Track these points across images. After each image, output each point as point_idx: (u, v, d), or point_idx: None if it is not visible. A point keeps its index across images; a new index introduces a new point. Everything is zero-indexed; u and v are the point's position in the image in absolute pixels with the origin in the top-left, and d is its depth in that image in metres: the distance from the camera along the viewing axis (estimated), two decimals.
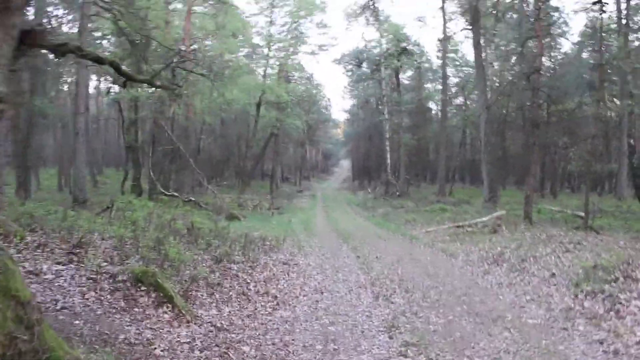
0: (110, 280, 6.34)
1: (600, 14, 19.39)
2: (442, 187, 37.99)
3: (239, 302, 7.46)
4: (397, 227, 19.58)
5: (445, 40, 39.58)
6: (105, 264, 6.94)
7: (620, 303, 6.97)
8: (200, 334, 5.79)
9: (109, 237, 8.75)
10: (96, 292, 5.94)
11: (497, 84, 43.89)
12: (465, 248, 13.18)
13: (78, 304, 5.55)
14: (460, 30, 34.59)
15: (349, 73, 56.08)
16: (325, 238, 15.92)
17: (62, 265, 6.52)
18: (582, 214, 18.44)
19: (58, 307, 5.31)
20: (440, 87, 46.88)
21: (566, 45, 42.37)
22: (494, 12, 29.60)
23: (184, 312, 6.12)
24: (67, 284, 5.97)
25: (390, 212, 26.43)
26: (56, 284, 5.88)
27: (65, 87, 43.21)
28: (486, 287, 8.83)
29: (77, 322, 5.08)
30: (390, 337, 6.15)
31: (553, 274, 8.96)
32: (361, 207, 33.19)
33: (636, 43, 30.19)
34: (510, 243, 12.78)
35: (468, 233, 16.03)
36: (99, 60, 10.29)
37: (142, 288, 6.34)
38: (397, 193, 38.30)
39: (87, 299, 5.73)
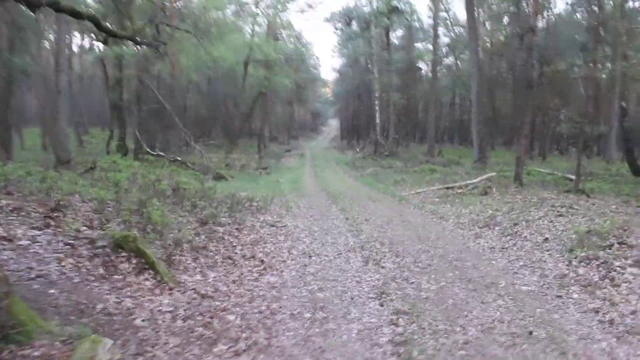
0: (89, 246, 6.07)
1: None
2: (432, 147, 37.79)
3: (225, 266, 7.23)
4: (386, 187, 19.35)
5: None
6: (84, 228, 6.67)
7: (615, 270, 6.81)
8: (184, 301, 5.54)
9: (90, 200, 8.45)
10: (74, 259, 5.67)
11: (488, 44, 43.43)
12: (455, 210, 12.99)
13: (54, 271, 5.27)
14: None
15: (339, 32, 55.14)
16: (314, 198, 15.67)
17: (38, 230, 6.23)
18: (572, 176, 18.33)
19: (32, 276, 5.03)
20: (430, 46, 46.21)
21: (559, 6, 41.86)
22: None
23: (166, 279, 5.86)
24: (43, 250, 5.69)
25: (379, 172, 26.19)
26: (31, 251, 5.60)
27: (47, 44, 42.14)
28: (478, 252, 8.65)
29: (52, 291, 4.81)
30: (381, 305, 5.94)
31: (546, 239, 8.78)
32: (350, 166, 32.92)
33: (630, 4, 29.77)
34: (502, 206, 12.61)
35: (458, 195, 15.84)
36: (77, 15, 9.79)
37: (123, 254, 6.07)
38: (386, 153, 38.06)
39: (64, 266, 5.45)
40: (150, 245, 6.64)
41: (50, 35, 37.95)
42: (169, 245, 7.14)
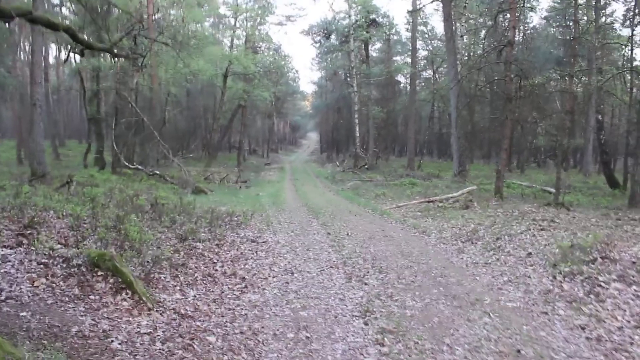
0: (64, 265, 5.86)
1: None
2: (411, 161, 37.87)
3: (205, 284, 7.04)
4: (367, 201, 19.27)
5: (415, 12, 39.06)
6: (59, 246, 6.44)
7: (600, 285, 6.77)
8: (163, 322, 5.35)
9: (65, 216, 8.21)
10: (47, 279, 5.46)
11: (466, 58, 43.81)
12: (437, 224, 12.93)
13: (26, 292, 5.06)
14: (430, 2, 33.93)
15: (317, 44, 55.23)
16: (295, 213, 15.51)
17: (10, 248, 6.01)
18: (551, 189, 18.47)
19: (2, 298, 4.82)
20: (409, 60, 46.52)
21: (534, 20, 42.48)
22: None
23: (144, 298, 5.66)
24: (15, 270, 5.48)
25: (359, 186, 26.13)
26: (2, 271, 5.38)
27: (23, 56, 41.62)
28: (462, 267, 8.57)
29: (23, 314, 4.60)
30: (365, 324, 5.82)
31: (529, 254, 8.73)
32: (330, 180, 32.83)
33: (604, 19, 30.26)
34: (484, 220, 12.58)
35: (439, 208, 15.80)
36: (52, 26, 9.57)
37: (99, 273, 5.87)
38: (366, 166, 38.04)
39: (37, 286, 5.24)
40: (127, 264, 6.43)
41: (26, 46, 37.56)
42: (147, 262, 6.93)
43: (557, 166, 17.54)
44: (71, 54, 28.54)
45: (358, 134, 42.57)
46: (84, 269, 5.85)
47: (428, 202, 17.36)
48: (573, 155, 41.83)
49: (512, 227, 11.13)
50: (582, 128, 33.11)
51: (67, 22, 27.45)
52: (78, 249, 6.45)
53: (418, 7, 38.10)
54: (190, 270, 7.44)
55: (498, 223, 11.85)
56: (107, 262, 5.92)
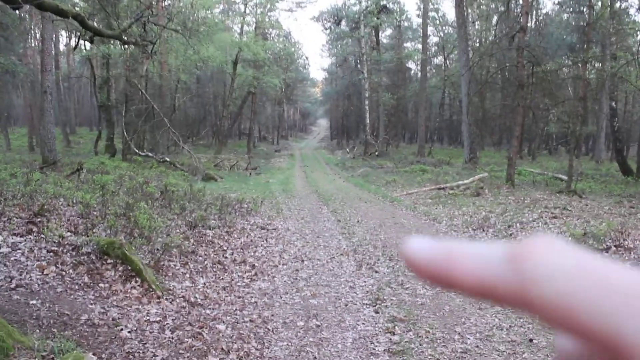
0: (73, 253, 5.84)
1: None
2: (422, 148, 37.67)
3: (215, 272, 7.02)
4: (378, 188, 19.20)
5: None
6: (68, 234, 6.42)
7: None
8: (172, 310, 5.33)
9: (75, 203, 8.20)
10: (57, 267, 5.44)
11: (477, 44, 43.44)
12: (448, 212, 12.85)
13: (36, 280, 5.05)
14: None
15: (328, 31, 54.94)
16: (305, 200, 15.47)
17: (20, 236, 5.99)
18: (563, 176, 18.30)
19: (12, 286, 4.80)
20: (420, 46, 46.15)
21: (547, 5, 41.97)
22: None
23: (154, 286, 5.64)
24: (25, 258, 5.46)
25: (369, 173, 26.04)
26: (12, 259, 5.36)
27: (34, 44, 41.68)
28: None
29: (33, 302, 4.58)
30: (376, 312, 5.77)
31: None
32: (340, 167, 32.75)
33: (619, 4, 29.82)
34: (495, 207, 12.48)
35: (450, 195, 15.70)
36: (61, 13, 9.54)
37: (109, 261, 5.85)
38: (376, 153, 37.94)
39: (47, 274, 5.23)
40: (137, 251, 6.42)
41: (37, 34, 37.61)
42: (157, 250, 6.92)
43: (569, 153, 17.37)
44: (81, 41, 28.58)
45: (368, 121, 42.38)
46: (93, 257, 5.84)
47: (439, 189, 17.26)
48: (585, 142, 41.51)
49: (524, 214, 11.03)
50: (594, 115, 32.75)
51: (77, 9, 27.44)
52: (88, 236, 6.44)
53: None
54: (200, 258, 7.42)
55: (509, 211, 11.75)
56: (116, 250, 5.91)
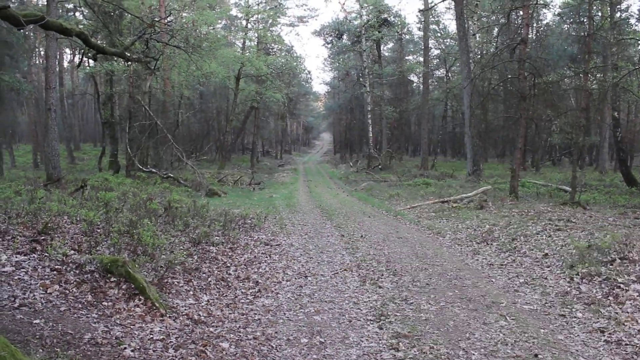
0: (77, 271, 5.85)
1: None
2: (425, 161, 37.71)
3: (218, 289, 7.01)
4: (381, 202, 19.21)
5: (427, 11, 38.90)
6: (72, 252, 6.42)
7: (619, 287, 6.65)
8: (176, 328, 5.32)
9: (78, 221, 8.22)
10: (60, 286, 5.44)
11: (479, 56, 43.52)
12: (452, 225, 12.83)
13: (39, 299, 5.05)
14: (441, 0, 33.81)
15: (329, 45, 55.19)
16: (308, 215, 15.48)
17: (24, 255, 5.99)
18: (567, 187, 18.26)
19: (16, 305, 4.80)
20: (421, 59, 46.29)
21: (548, 17, 42.14)
22: None
23: (157, 304, 5.63)
24: (29, 276, 5.46)
25: (373, 186, 26.05)
26: (16, 277, 5.37)
27: (38, 61, 42.00)
28: (477, 269, 8.47)
29: (37, 321, 4.58)
30: (380, 328, 5.75)
31: (546, 255, 8.62)
32: (343, 181, 32.79)
33: (618, 14, 29.88)
34: (499, 220, 12.45)
35: (454, 209, 15.68)
36: (65, 32, 9.60)
37: (112, 279, 5.86)
38: (380, 166, 37.96)
39: (50, 293, 5.23)
40: (140, 269, 6.42)
41: (42, 51, 37.87)
42: (161, 267, 6.92)
43: (572, 164, 17.34)
44: (84, 59, 28.77)
45: (371, 134, 42.45)
46: (97, 275, 5.84)
47: (442, 202, 17.24)
48: (589, 152, 41.42)
49: (528, 227, 11.01)
50: (597, 125, 32.73)
51: (81, 26, 27.67)
52: (91, 254, 6.44)
53: (430, 5, 37.99)
54: (204, 275, 7.42)
55: (513, 223, 11.73)
56: (119, 267, 5.91)
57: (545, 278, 7.56)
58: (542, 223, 11.24)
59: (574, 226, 10.72)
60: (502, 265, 8.58)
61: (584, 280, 7.14)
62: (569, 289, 6.96)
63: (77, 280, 5.64)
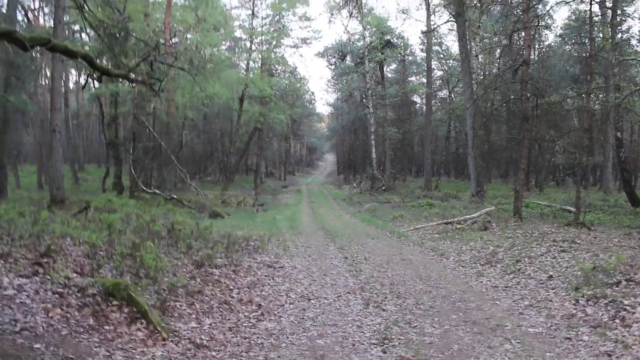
0: (79, 295, 5.82)
1: (590, 3, 18.95)
2: (429, 182, 37.69)
3: (221, 312, 6.97)
4: (385, 223, 19.17)
5: (430, 32, 39.16)
6: (74, 275, 6.40)
7: (625, 309, 6.56)
8: (178, 353, 5.28)
9: (81, 243, 8.21)
10: (62, 309, 5.41)
11: (481, 77, 43.73)
12: (456, 247, 12.77)
13: (41, 323, 5.01)
14: (444, 22, 34.12)
15: (333, 66, 55.60)
16: (312, 237, 15.44)
17: (26, 278, 5.96)
18: (571, 208, 18.16)
19: (17, 329, 4.76)
20: (424, 80, 46.53)
21: (549, 38, 42.39)
22: (478, 4, 29.29)
23: (159, 328, 5.60)
24: (30, 300, 5.43)
25: (377, 208, 26.03)
26: (17, 301, 5.33)
27: (44, 82, 42.33)
28: (481, 291, 8.41)
29: (37, 345, 4.55)
30: (384, 352, 5.69)
31: (550, 277, 8.55)
32: (347, 202, 32.79)
33: (619, 35, 30.02)
34: (503, 242, 12.39)
35: (458, 230, 15.62)
36: (70, 54, 9.69)
37: (114, 302, 5.82)
38: (383, 187, 37.96)
39: (52, 317, 5.19)
40: (143, 292, 6.39)
41: (47, 72, 38.16)
42: (163, 290, 6.88)
43: (576, 184, 17.28)
44: (90, 80, 29.02)
45: (375, 155, 42.53)
46: (98, 299, 5.81)
47: (446, 223, 17.18)
48: (592, 172, 41.34)
49: (532, 248, 10.94)
50: (600, 145, 32.70)
51: (87, 48, 27.93)
52: (93, 277, 6.42)
53: (432, 27, 38.25)
54: (207, 298, 7.37)
55: (517, 245, 11.66)
56: (122, 291, 5.89)
57: (550, 300, 7.49)
58: (546, 244, 11.18)
59: (578, 247, 10.65)
60: (506, 287, 8.52)
61: (589, 302, 7.06)
62: (574, 311, 6.89)
63: (79, 303, 5.61)
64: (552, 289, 8.01)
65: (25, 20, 30.91)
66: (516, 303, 7.61)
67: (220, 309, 7.06)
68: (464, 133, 38.99)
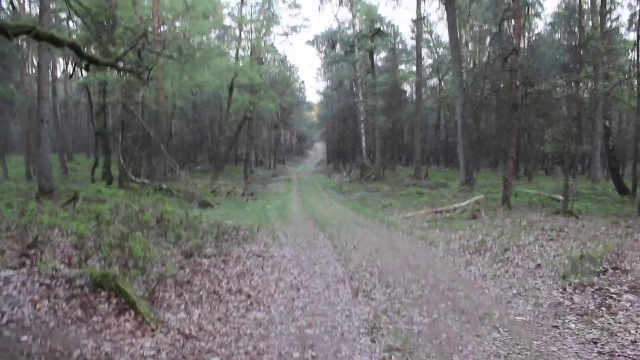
0: (67, 286, 5.79)
1: None
2: (418, 170, 37.74)
3: (210, 302, 6.95)
4: (374, 212, 19.20)
5: (419, 20, 39.08)
6: (62, 266, 6.38)
7: (611, 297, 6.65)
8: (166, 343, 5.27)
9: (69, 234, 8.17)
10: (50, 301, 5.39)
11: (471, 65, 43.78)
12: (445, 236, 12.81)
13: (28, 315, 4.99)
14: (435, 10, 34.06)
15: (322, 55, 55.46)
16: (301, 226, 15.44)
17: (13, 269, 5.93)
18: (559, 197, 18.29)
19: (4, 321, 4.74)
20: (414, 68, 46.50)
21: (539, 26, 42.47)
22: None
23: (147, 319, 5.58)
24: (17, 292, 5.40)
25: (366, 196, 26.07)
26: (4, 293, 5.30)
27: (31, 71, 41.89)
28: (470, 280, 8.46)
29: (24, 337, 4.52)
30: (372, 341, 5.71)
31: (538, 265, 8.62)
32: (337, 190, 32.82)
33: (609, 24, 30.13)
34: (491, 230, 12.47)
35: (447, 219, 15.69)
36: (56, 42, 9.58)
37: (102, 294, 5.80)
38: (373, 176, 38.00)
39: (39, 309, 5.17)
40: (131, 283, 6.38)
41: (35, 61, 37.77)
42: (152, 280, 6.87)
43: (564, 173, 17.39)
44: (77, 69, 28.76)
45: (364, 144, 42.56)
46: (86, 290, 5.79)
47: (435, 212, 17.25)
48: (581, 161, 41.57)
49: (521, 237, 11.02)
50: (589, 134, 32.90)
51: (74, 36, 27.64)
52: (81, 268, 6.40)
53: (422, 15, 38.17)
54: (196, 288, 7.36)
55: (506, 233, 11.74)
56: (110, 282, 5.86)
57: (538, 289, 7.55)
58: (534, 233, 11.27)
59: (566, 236, 10.75)
60: (494, 276, 8.56)
61: (576, 290, 7.13)
62: (561, 299, 6.95)
63: (67, 295, 5.59)
64: (540, 277, 8.07)
65: (11, 7, 30.50)
66: (504, 292, 7.65)
67: (209, 299, 7.05)
68: (454, 122, 39.05)
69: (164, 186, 23.14)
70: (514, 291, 7.61)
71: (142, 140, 26.86)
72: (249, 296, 7.41)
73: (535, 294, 7.33)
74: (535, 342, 5.59)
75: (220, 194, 27.05)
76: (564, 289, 7.29)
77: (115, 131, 28.43)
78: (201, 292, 7.24)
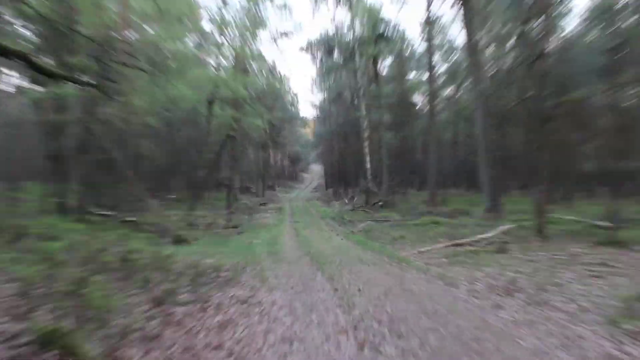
0: (7, 345, 5.61)
1: None
2: (433, 195, 37.70)
3: None
4: (382, 246, 19.08)
5: (430, 22, 39.38)
6: (3, 319, 6.20)
7: None
8: None
9: (13, 280, 8.00)
10: None
11: (492, 72, 44.03)
12: (467, 274, 12.67)
13: None
14: (449, 8, 34.34)
15: (318, 62, 55.79)
16: (295, 265, 15.28)
17: None
18: (605, 223, 18.17)
19: None
20: (425, 76, 46.79)
21: (569, 27, 42.83)
22: None
23: None
24: None
25: (373, 228, 25.97)
26: None
27: None
28: (500, 328, 8.28)
29: None
30: None
31: (582, 308, 8.47)
32: (337, 221, 32.75)
33: None
34: (524, 266, 12.35)
35: (469, 253, 15.56)
36: (3, 53, 9.52)
37: (52, 352, 5.61)
38: (380, 203, 37.96)
39: None
40: (88, 339, 6.19)
41: None
42: (114, 335, 6.70)
43: (610, 195, 17.31)
44: (28, 83, 28.82)
45: (369, 165, 42.55)
46: (33, 349, 5.61)
47: (455, 245, 17.13)
48: (630, 180, 41.58)
49: (559, 274, 10.89)
50: (638, 148, 32.93)
51: (27, 43, 27.67)
52: (27, 322, 6.22)
53: (433, 15, 38.49)
54: (167, 343, 7.18)
55: (541, 270, 11.61)
56: (61, 339, 5.69)
57: (583, 338, 7.38)
58: (576, 268, 11.14)
59: (615, 271, 10.62)
60: (530, 322, 8.39)
61: (630, 339, 6.97)
62: (613, 351, 6.78)
63: (7, 356, 5.41)
64: (585, 323, 7.92)
65: None
66: (542, 342, 7.48)
67: (183, 358, 6.87)
68: (474, 137, 39.12)
69: (131, 219, 23.01)
70: (555, 340, 7.43)
71: (106, 165, 26.78)
72: (231, 353, 7.22)
73: (580, 344, 7.16)
74: None
75: (199, 228, 26.93)
76: (615, 338, 7.12)
77: (73, 154, 28.35)
78: (174, 349, 7.06)
